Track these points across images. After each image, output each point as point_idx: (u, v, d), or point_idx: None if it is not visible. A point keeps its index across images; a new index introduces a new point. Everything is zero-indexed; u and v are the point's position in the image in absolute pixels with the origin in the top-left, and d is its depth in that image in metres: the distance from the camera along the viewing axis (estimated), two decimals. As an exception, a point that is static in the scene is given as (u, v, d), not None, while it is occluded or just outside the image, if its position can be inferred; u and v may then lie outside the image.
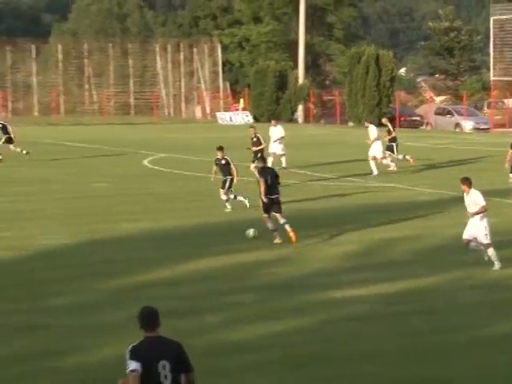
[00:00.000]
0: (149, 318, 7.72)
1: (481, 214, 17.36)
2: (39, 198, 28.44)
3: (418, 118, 75.34)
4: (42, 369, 11.86)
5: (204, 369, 11.68)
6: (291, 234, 20.30)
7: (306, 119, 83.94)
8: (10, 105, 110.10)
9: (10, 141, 41.28)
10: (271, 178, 20.98)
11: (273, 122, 38.04)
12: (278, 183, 21.18)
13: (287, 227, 20.39)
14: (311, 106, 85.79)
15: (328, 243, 20.59)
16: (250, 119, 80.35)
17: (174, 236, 21.74)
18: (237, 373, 11.78)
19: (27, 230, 22.27)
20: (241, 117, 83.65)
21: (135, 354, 7.45)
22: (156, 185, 31.83)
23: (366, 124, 36.59)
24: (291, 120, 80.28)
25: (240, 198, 25.72)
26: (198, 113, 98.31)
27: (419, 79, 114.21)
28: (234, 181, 25.55)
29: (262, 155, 30.54)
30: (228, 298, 15.58)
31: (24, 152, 40.39)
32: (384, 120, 37.62)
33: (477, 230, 17.40)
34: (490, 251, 17.53)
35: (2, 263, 18.52)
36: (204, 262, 18.55)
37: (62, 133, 65.16)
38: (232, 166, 25.47)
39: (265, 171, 21.52)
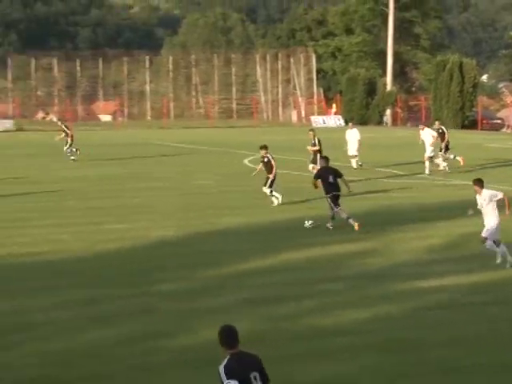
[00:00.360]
0: (230, 337, 7.47)
1: (495, 211, 16.74)
2: (149, 194, 28.79)
3: (499, 121, 73.96)
4: (154, 348, 11.96)
5: (299, 351, 11.65)
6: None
7: (394, 122, 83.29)
8: (126, 110, 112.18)
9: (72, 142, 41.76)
10: (333, 178, 21.17)
11: (350, 124, 38.11)
12: (341, 177, 21.43)
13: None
14: (399, 110, 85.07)
15: (414, 236, 20.29)
16: (342, 123, 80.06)
17: (270, 229, 21.71)
18: (331, 355, 11.67)
19: (140, 223, 22.55)
20: (333, 120, 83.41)
21: (230, 373, 7.26)
22: (255, 182, 31.84)
23: (421, 127, 36.38)
24: (380, 123, 79.76)
25: (276, 194, 25.47)
26: (294, 117, 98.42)
27: (500, 85, 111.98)
28: (270, 177, 25.24)
29: (321, 156, 30.28)
30: (321, 286, 15.47)
31: (73, 158, 40.75)
32: (437, 123, 37.17)
33: (490, 225, 16.79)
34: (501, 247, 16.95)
35: (119, 253, 18.79)
36: (298, 253, 18.47)
37: (172, 135, 65.91)
38: (272, 163, 25.21)
39: (326, 171, 21.52)
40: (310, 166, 30.52)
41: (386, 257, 18.20)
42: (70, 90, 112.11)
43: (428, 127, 36.19)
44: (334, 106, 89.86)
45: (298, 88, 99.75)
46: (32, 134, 72.66)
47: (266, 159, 25.24)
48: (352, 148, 35.67)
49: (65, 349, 11.90)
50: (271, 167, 25.07)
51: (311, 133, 31.95)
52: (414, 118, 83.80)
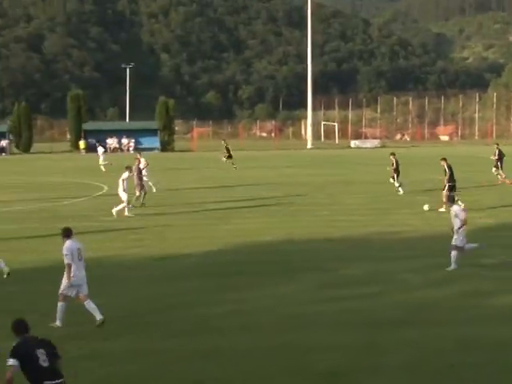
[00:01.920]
0: (20, 327, 6.89)
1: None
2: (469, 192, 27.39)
3: None
4: (482, 304, 11.35)
5: None
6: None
7: None
8: (459, 132, 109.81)
9: (229, 157, 40.38)
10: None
11: None
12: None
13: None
14: None
15: None
16: None
17: None
18: None
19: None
20: None
21: (16, 353, 6.65)
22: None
23: None
24: None
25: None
26: None
27: None
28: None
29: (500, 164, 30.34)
30: None
31: (234, 166, 39.27)
32: None
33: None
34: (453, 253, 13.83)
35: (415, 235, 18.24)
36: None
37: (493, 151, 62.03)
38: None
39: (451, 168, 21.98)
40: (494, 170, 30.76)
41: None
42: (419, 119, 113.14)
43: None
44: None
45: None
46: (391, 149, 72.94)
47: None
48: None
49: (405, 300, 11.71)
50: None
51: (495, 146, 31.81)
52: None
